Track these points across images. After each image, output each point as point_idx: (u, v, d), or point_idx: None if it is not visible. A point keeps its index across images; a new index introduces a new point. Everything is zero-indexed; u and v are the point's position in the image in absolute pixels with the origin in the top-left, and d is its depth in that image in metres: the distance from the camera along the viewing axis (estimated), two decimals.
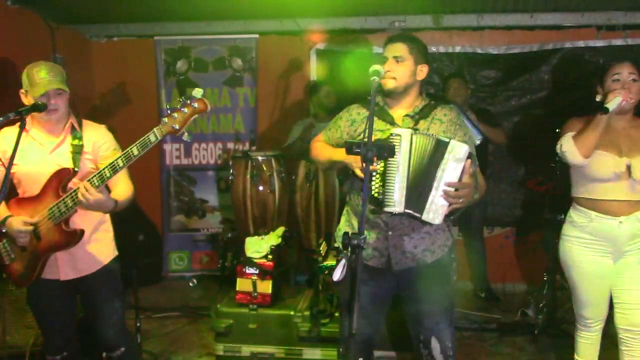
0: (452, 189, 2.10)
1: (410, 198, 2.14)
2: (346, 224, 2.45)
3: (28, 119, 2.42)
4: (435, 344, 2.31)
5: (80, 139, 2.42)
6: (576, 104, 4.56)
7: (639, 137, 2.50)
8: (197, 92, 2.20)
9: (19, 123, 2.33)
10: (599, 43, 4.58)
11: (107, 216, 2.56)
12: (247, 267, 3.42)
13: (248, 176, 4.07)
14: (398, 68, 2.29)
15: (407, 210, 2.16)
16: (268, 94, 5.03)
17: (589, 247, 2.55)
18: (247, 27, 4.81)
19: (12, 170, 2.34)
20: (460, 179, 2.11)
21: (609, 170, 2.44)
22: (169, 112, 2.20)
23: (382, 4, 4.33)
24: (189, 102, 2.19)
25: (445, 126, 2.31)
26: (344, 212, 2.50)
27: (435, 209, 2.12)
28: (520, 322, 3.97)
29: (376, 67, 2.18)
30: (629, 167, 2.43)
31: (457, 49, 4.78)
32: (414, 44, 2.32)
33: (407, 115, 2.33)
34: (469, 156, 2.13)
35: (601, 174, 2.46)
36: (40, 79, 2.30)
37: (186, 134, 2.22)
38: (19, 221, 2.31)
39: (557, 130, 2.62)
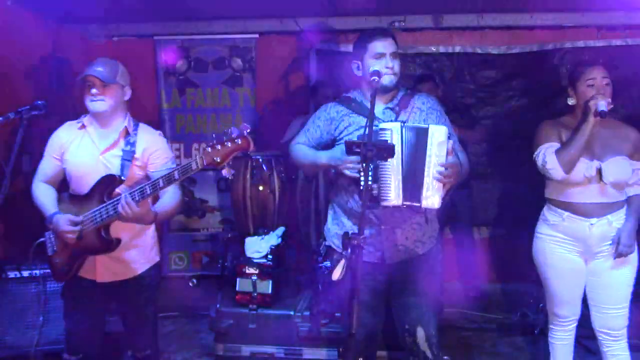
0: (443, 169, 2.13)
1: (406, 190, 2.16)
2: (334, 223, 2.45)
3: (87, 117, 2.44)
4: (420, 333, 2.36)
5: (133, 144, 2.41)
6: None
7: (609, 137, 2.49)
8: (244, 128, 2.18)
9: (81, 118, 2.43)
10: (599, 43, 4.57)
11: None
12: (247, 267, 3.42)
13: (248, 176, 4.07)
14: (396, 63, 2.31)
15: (405, 203, 2.17)
16: (268, 94, 5.02)
17: (561, 245, 2.59)
18: (247, 27, 4.80)
19: (64, 166, 2.42)
20: (446, 159, 2.15)
21: (581, 174, 2.45)
22: (213, 142, 2.18)
23: (382, 4, 4.33)
24: (234, 137, 2.17)
25: (426, 114, 2.35)
26: (330, 211, 2.50)
27: (432, 193, 2.15)
28: (520, 322, 3.97)
29: (376, 67, 2.18)
30: (599, 171, 2.43)
31: (457, 49, 4.77)
32: (395, 38, 2.35)
33: (387, 107, 2.34)
34: (449, 136, 2.18)
35: (573, 178, 2.46)
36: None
37: (226, 168, 2.20)
38: (65, 220, 2.31)
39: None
